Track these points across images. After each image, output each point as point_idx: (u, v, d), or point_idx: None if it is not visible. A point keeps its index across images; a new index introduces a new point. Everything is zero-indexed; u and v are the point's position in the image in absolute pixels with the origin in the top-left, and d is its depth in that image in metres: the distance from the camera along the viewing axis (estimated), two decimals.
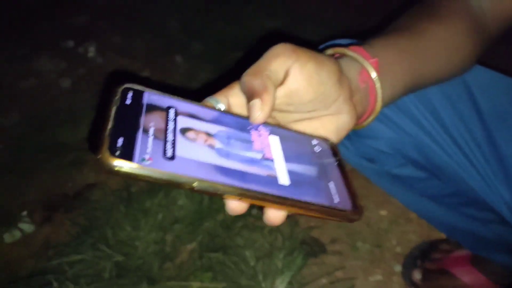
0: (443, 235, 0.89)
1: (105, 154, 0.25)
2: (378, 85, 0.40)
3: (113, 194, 1.00)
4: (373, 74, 0.40)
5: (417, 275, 0.83)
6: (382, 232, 0.94)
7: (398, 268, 0.87)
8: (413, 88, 0.46)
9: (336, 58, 0.41)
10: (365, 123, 0.43)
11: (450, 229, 0.76)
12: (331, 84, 0.36)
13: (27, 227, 1.00)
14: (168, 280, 0.82)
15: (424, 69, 0.46)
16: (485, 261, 0.77)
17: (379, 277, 0.86)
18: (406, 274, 0.85)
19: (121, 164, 0.25)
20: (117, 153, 0.25)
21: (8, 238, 0.98)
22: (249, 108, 0.33)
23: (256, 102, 0.33)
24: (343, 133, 0.39)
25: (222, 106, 0.35)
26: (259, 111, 0.33)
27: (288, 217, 0.33)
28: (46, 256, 0.90)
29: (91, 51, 1.48)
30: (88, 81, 1.40)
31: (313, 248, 0.90)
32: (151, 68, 1.46)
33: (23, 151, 1.19)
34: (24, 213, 1.03)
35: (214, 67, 1.41)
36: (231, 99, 0.36)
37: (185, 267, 0.86)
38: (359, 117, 0.41)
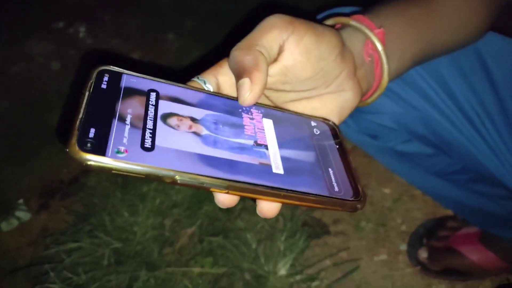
0: (449, 212, 0.87)
1: (73, 147, 0.23)
2: (384, 58, 0.36)
3: (108, 180, 0.97)
4: (379, 46, 0.36)
5: (423, 254, 0.81)
6: (386, 211, 0.92)
7: (403, 247, 0.85)
8: (422, 60, 0.43)
9: (337, 29, 0.37)
10: (370, 100, 0.39)
11: (458, 206, 0.73)
12: (332, 58, 0.32)
13: (23, 215, 0.98)
14: (168, 266, 0.81)
15: (435, 39, 0.42)
16: (494, 238, 0.74)
17: (384, 256, 0.84)
18: (412, 253, 0.83)
19: (91, 158, 0.23)
20: (88, 146, 0.23)
21: (5, 226, 0.97)
22: (237, 88, 0.30)
23: (245, 82, 0.29)
24: (346, 112, 0.35)
25: (210, 87, 0.32)
26: (248, 92, 0.29)
27: None
28: (44, 244, 0.89)
29: (82, 31, 1.43)
30: (79, 63, 1.35)
31: (316, 230, 0.88)
32: (143, 47, 1.42)
33: (16, 138, 1.16)
34: (21, 201, 1.01)
35: (208, 45, 1.37)
36: (221, 78, 0.32)
37: (185, 252, 0.84)
38: (363, 94, 0.37)
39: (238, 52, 0.30)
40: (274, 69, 0.31)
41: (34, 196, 1.01)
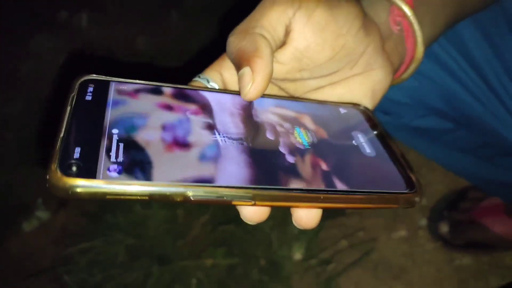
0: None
1: (55, 173, 0.18)
2: (416, 25, 0.31)
3: None
4: (408, 12, 0.30)
5: (444, 228, 0.77)
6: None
7: (423, 222, 0.81)
8: (454, 23, 0.36)
9: None
10: (405, 75, 0.34)
11: (483, 181, 0.67)
12: (353, 33, 0.27)
13: (43, 214, 1.00)
14: (181, 259, 0.80)
15: None
16: None
17: (403, 233, 0.80)
18: (432, 227, 0.79)
19: (79, 184, 0.18)
20: (73, 168, 0.19)
21: (27, 226, 0.99)
22: (238, 81, 0.25)
23: (245, 72, 0.24)
24: (379, 95, 0.30)
25: (215, 86, 0.27)
26: (249, 83, 0.24)
27: None
28: (65, 244, 0.90)
29: (84, 21, 1.42)
30: (85, 56, 1.34)
31: (330, 210, 0.85)
32: (147, 32, 1.38)
33: (31, 139, 1.18)
34: (40, 200, 1.03)
35: (212, 23, 1.32)
36: (226, 73, 0.27)
37: (198, 242, 0.83)
38: (396, 70, 0.32)
39: (234, 38, 0.25)
40: (285, 54, 0.27)
41: (52, 195, 1.03)
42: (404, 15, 0.31)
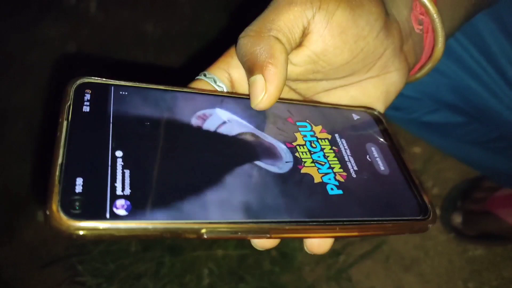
0: None
1: (56, 213, 0.16)
2: (439, 23, 0.29)
3: None
4: (432, 9, 0.28)
5: (457, 219, 0.76)
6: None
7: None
8: (472, 17, 0.35)
9: None
10: (420, 74, 0.32)
11: (497, 173, 0.66)
12: (374, 35, 0.25)
13: None
14: (193, 250, 0.81)
15: None
16: None
17: None
18: (445, 218, 0.78)
19: (85, 226, 0.16)
20: (76, 206, 0.17)
21: (41, 217, 1.00)
22: (249, 88, 0.24)
23: (257, 80, 0.23)
24: (392, 97, 0.29)
25: (222, 86, 0.25)
26: (261, 93, 0.23)
27: None
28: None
29: (93, 8, 1.40)
30: (93, 43, 1.33)
31: None
32: (154, 16, 1.36)
33: (42, 128, 1.18)
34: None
35: (220, 7, 1.30)
36: (234, 72, 0.26)
37: None
38: (410, 70, 0.30)
39: (247, 40, 0.24)
40: (301, 56, 0.25)
41: None
42: (427, 12, 0.29)
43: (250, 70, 0.24)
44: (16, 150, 1.12)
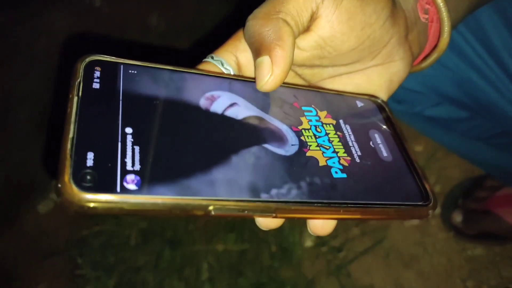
0: None
1: (68, 185, 0.17)
2: (445, 13, 0.29)
3: None
4: None
5: (457, 218, 0.75)
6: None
7: (437, 210, 0.80)
8: (476, 8, 0.35)
9: None
10: (424, 64, 0.32)
11: (499, 170, 0.66)
12: (380, 23, 0.26)
13: None
14: (193, 244, 0.81)
15: None
16: None
17: (415, 221, 0.79)
18: (445, 216, 0.78)
19: (95, 198, 0.17)
20: (87, 179, 0.17)
21: (42, 208, 1.01)
22: (255, 69, 0.24)
23: (264, 61, 0.23)
24: (395, 86, 0.29)
25: (229, 68, 0.25)
26: (268, 74, 0.23)
27: None
28: (79, 225, 0.92)
29: (98, 0, 1.40)
30: (98, 34, 1.33)
31: None
32: (159, 8, 1.36)
33: (46, 118, 1.19)
34: (55, 181, 1.04)
35: None
36: (241, 56, 0.26)
37: (210, 227, 0.84)
38: (414, 59, 0.30)
39: (255, 22, 0.24)
40: (308, 41, 0.25)
41: None
42: (433, 1, 0.29)
43: (257, 51, 0.24)
44: (19, 140, 1.12)
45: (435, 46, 0.31)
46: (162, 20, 1.33)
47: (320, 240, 0.79)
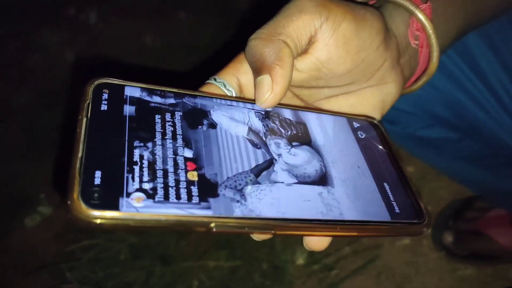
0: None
1: (77, 202, 0.18)
2: (434, 39, 0.30)
3: None
4: (428, 25, 0.30)
5: (448, 238, 0.76)
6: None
7: (428, 230, 0.80)
8: (464, 34, 0.36)
9: (373, 6, 0.31)
10: (415, 87, 0.34)
11: (489, 191, 0.67)
12: (374, 48, 0.27)
13: (46, 209, 1.00)
14: (184, 260, 0.80)
15: (481, 5, 0.35)
16: None
17: (407, 241, 0.80)
18: (436, 236, 0.78)
19: (103, 216, 0.18)
20: (95, 197, 0.18)
21: (29, 222, 0.99)
22: (255, 87, 0.25)
23: (264, 79, 0.24)
24: (388, 106, 0.31)
25: (231, 90, 0.27)
26: (267, 92, 0.24)
27: None
28: (67, 240, 0.90)
29: (93, 17, 1.41)
30: (93, 51, 1.34)
31: None
32: (153, 28, 1.38)
33: (36, 131, 1.18)
34: (42, 195, 1.02)
35: (221, 20, 1.31)
36: (242, 78, 0.27)
37: (201, 243, 0.83)
38: (405, 82, 0.32)
39: (257, 42, 0.25)
40: (305, 63, 0.27)
41: (55, 190, 1.03)
42: (423, 28, 0.30)
43: (258, 70, 0.25)
44: (10, 153, 1.11)
45: (425, 70, 0.32)
46: (157, 39, 1.35)
47: (312, 258, 0.79)
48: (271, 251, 0.80)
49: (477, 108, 0.47)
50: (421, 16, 0.30)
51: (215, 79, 0.27)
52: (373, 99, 0.30)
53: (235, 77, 0.27)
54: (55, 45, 1.38)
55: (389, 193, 0.25)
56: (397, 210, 0.24)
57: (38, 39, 1.40)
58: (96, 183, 0.18)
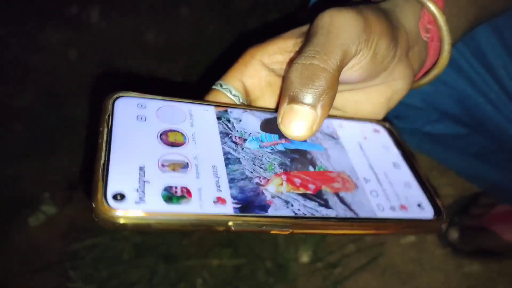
0: None
1: (100, 203, 0.19)
2: (446, 32, 0.30)
3: None
4: (440, 18, 0.29)
5: (454, 234, 0.75)
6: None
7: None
8: (474, 27, 0.36)
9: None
10: (424, 81, 0.33)
11: (495, 187, 0.66)
12: (384, 47, 0.26)
13: (49, 209, 1.00)
14: (187, 258, 0.80)
15: None
16: None
17: (411, 238, 0.79)
18: (441, 233, 0.77)
19: (126, 215, 0.19)
20: (118, 198, 0.19)
21: (33, 221, 0.99)
22: (287, 113, 0.23)
23: (311, 113, 0.23)
24: (394, 103, 0.30)
25: (238, 95, 0.27)
26: (310, 129, 0.23)
27: None
28: (71, 239, 0.90)
29: (95, 16, 1.41)
30: (95, 49, 1.34)
31: None
32: (156, 25, 1.38)
33: (40, 131, 1.18)
34: (46, 194, 1.02)
35: (222, 18, 1.31)
36: (248, 81, 0.27)
37: (205, 242, 0.83)
38: (415, 76, 0.31)
39: (318, 57, 0.23)
40: None
41: (59, 190, 1.03)
42: (435, 21, 0.30)
43: (298, 97, 0.23)
44: (13, 152, 1.11)
45: (435, 64, 0.32)
46: (159, 38, 1.35)
47: (316, 256, 0.78)
48: (274, 249, 0.80)
49: (486, 103, 0.46)
50: (433, 8, 0.29)
51: (221, 85, 0.27)
52: (379, 97, 0.29)
53: (240, 81, 0.27)
54: (57, 44, 1.38)
55: (407, 191, 0.26)
56: (415, 207, 0.25)
57: (40, 38, 1.40)
58: (118, 186, 0.20)
